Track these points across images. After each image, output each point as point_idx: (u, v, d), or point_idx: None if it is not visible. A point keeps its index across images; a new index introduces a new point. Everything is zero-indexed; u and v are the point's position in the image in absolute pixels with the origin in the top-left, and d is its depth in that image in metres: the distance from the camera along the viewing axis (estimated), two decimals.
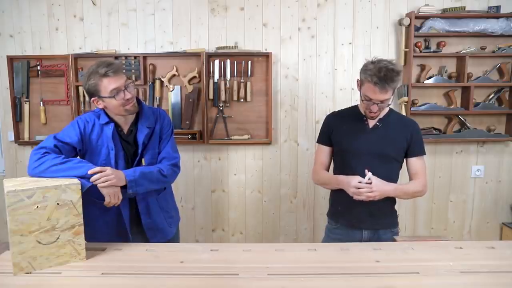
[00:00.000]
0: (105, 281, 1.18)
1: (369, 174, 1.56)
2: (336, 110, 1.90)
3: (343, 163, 1.73)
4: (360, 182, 1.56)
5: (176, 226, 1.83)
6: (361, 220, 1.71)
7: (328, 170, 1.84)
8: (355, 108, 1.78)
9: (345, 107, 1.85)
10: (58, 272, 1.23)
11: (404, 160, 1.74)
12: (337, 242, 1.72)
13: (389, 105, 1.61)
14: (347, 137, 1.72)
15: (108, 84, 1.49)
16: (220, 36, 2.67)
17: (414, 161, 1.70)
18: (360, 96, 1.63)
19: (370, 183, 1.55)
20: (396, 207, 1.79)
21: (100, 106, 1.56)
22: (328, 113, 1.87)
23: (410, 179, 1.73)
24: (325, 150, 1.81)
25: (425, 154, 1.72)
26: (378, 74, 1.48)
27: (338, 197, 1.76)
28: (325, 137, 1.80)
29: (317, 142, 1.86)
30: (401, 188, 1.68)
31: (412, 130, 1.69)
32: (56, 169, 1.38)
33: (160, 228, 1.71)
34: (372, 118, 1.66)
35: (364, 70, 1.56)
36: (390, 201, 1.73)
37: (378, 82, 1.49)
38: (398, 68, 1.51)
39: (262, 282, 1.16)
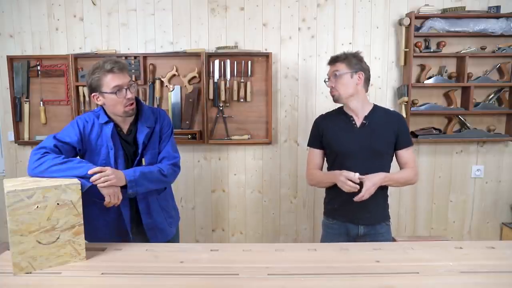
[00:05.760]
0: (105, 281, 1.18)
1: (357, 175, 1.60)
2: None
3: (337, 164, 1.76)
4: (350, 180, 1.60)
5: (176, 226, 1.83)
6: (357, 216, 1.75)
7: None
8: (341, 109, 1.81)
9: (332, 109, 1.88)
10: (58, 272, 1.23)
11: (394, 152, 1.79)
12: (336, 236, 1.80)
13: (339, 74, 1.69)
14: (337, 139, 1.77)
15: (111, 80, 1.49)
16: (220, 36, 2.67)
17: (403, 153, 1.76)
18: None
19: (360, 183, 1.59)
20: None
21: (99, 103, 1.56)
22: (316, 117, 1.90)
23: (401, 169, 1.78)
24: (317, 153, 1.86)
25: (412, 144, 1.78)
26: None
27: (334, 195, 1.80)
28: (316, 141, 1.85)
29: (308, 145, 1.89)
30: (391, 176, 1.71)
31: (398, 122, 1.76)
32: (56, 169, 1.38)
33: (161, 228, 1.71)
34: (333, 96, 1.74)
35: None
36: (383, 196, 1.79)
37: (329, 61, 1.77)
38: (350, 52, 1.74)
39: (262, 282, 1.16)
